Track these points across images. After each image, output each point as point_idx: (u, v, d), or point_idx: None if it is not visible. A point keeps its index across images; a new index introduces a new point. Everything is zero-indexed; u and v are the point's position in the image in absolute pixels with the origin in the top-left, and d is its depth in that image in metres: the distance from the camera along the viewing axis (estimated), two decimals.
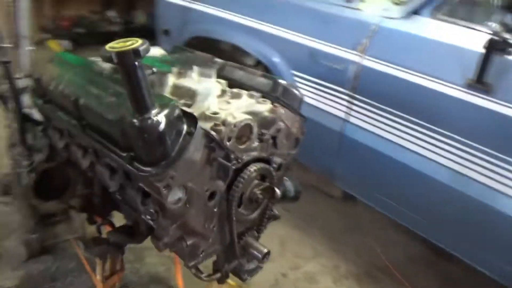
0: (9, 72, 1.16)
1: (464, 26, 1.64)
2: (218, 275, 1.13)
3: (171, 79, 1.12)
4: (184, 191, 0.87)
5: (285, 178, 1.31)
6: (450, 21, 1.69)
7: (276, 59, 2.11)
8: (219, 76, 1.21)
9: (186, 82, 1.11)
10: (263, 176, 1.05)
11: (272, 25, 2.11)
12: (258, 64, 2.22)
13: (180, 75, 1.14)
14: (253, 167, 0.99)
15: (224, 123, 0.91)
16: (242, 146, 0.96)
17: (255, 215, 1.09)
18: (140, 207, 0.90)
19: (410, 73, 1.66)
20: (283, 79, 1.94)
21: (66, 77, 1.06)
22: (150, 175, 0.81)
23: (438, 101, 1.60)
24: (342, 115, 1.95)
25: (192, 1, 2.56)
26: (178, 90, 1.08)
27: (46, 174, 1.36)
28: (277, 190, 1.10)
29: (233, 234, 1.03)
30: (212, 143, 0.88)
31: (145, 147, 0.80)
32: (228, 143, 0.90)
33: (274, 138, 1.11)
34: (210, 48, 2.12)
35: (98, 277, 1.16)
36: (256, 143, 1.02)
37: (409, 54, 1.69)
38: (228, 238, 1.06)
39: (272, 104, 1.10)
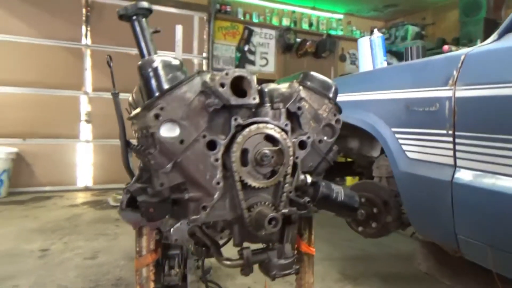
0: (117, 101, 1.58)
1: None
2: (240, 261, 1.05)
3: None
4: (179, 129, 0.97)
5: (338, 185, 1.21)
6: None
7: (375, 122, 2.08)
8: None
9: None
10: (272, 140, 1.04)
11: (367, 92, 2.16)
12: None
13: None
14: (256, 125, 1.02)
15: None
16: (240, 98, 1.02)
17: (267, 183, 1.03)
18: (148, 155, 1.01)
19: None
20: (385, 140, 1.91)
21: None
22: (145, 106, 0.96)
23: None
24: (449, 161, 1.67)
25: None
26: None
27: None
28: (296, 163, 1.05)
29: (238, 195, 1.00)
30: (206, 88, 0.99)
31: (145, 83, 0.98)
32: (220, 89, 0.99)
33: (296, 115, 1.13)
34: None
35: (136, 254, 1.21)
36: (268, 109, 1.07)
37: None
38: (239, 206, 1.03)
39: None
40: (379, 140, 2.05)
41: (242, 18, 6.60)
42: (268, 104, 1.08)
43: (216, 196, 1.00)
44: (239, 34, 6.67)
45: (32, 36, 5.32)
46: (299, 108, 1.12)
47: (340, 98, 2.40)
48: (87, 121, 5.76)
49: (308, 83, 1.17)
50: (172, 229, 1.41)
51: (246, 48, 6.72)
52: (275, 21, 6.82)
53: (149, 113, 0.95)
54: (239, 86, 1.04)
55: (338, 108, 1.19)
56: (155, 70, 0.97)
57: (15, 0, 5.23)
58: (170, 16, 5.98)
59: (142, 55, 1.05)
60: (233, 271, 2.77)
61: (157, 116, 0.95)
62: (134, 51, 5.79)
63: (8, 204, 4.72)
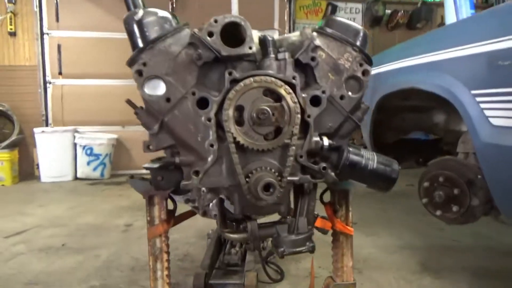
0: None
1: None
2: (244, 234, 0.94)
3: None
4: (164, 86, 0.88)
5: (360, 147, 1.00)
6: None
7: (451, 84, 1.73)
8: None
9: None
10: (274, 95, 0.89)
11: (442, 50, 1.81)
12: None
13: None
14: (253, 78, 0.87)
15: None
16: (232, 49, 0.88)
17: (267, 144, 0.89)
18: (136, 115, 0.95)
19: None
20: (463, 105, 1.60)
21: None
22: (128, 61, 0.88)
23: None
24: None
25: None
26: None
27: None
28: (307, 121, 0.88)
29: (232, 156, 0.87)
30: (195, 39, 0.88)
31: (130, 36, 0.90)
32: (209, 39, 0.87)
33: (310, 67, 0.95)
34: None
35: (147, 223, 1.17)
36: (271, 60, 0.91)
37: None
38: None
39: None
40: (456, 105, 1.70)
41: None
42: (272, 55, 0.92)
43: (209, 160, 0.89)
44: (322, 11, 6.35)
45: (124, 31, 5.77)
46: (312, 59, 0.94)
47: (412, 61, 2.09)
48: None
49: (327, 29, 0.98)
50: (211, 204, 1.34)
51: None
52: None
53: (132, 70, 0.87)
54: (236, 36, 0.90)
55: (365, 57, 0.97)
56: (139, 22, 0.89)
57: None
58: None
59: (128, 8, 0.99)
60: (298, 256, 2.64)
61: (140, 73, 0.87)
62: None
63: (109, 185, 5.26)
